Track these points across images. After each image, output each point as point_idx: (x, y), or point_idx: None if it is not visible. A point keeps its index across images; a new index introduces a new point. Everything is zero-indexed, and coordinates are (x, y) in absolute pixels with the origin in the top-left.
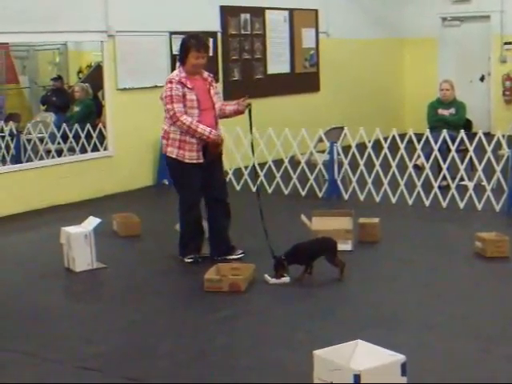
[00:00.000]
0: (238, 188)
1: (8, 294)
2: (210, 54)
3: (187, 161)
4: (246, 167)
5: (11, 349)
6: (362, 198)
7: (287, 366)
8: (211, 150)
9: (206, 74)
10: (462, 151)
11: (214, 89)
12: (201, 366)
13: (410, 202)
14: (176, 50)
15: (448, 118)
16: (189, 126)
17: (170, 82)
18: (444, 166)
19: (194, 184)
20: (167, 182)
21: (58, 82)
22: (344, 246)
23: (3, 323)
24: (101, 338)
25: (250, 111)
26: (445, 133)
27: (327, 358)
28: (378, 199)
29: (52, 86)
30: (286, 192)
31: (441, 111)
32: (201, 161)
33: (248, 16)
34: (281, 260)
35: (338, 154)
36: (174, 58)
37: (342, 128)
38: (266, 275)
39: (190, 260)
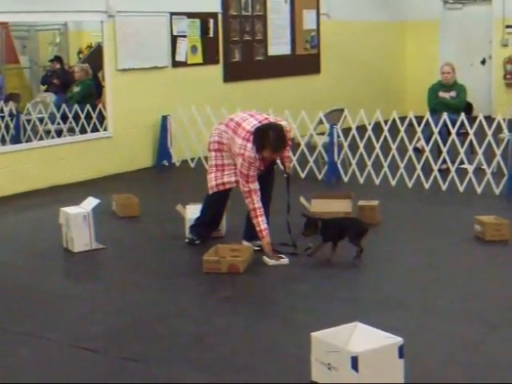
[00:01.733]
0: None
1: (6, 274)
2: (211, 35)
3: (208, 179)
4: None
5: (10, 329)
6: (361, 180)
7: (285, 348)
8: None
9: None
10: (463, 134)
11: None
12: (199, 347)
13: (410, 184)
14: (177, 31)
15: (449, 100)
16: (253, 208)
17: (249, 164)
18: (444, 149)
19: (217, 195)
20: (167, 163)
21: (55, 63)
22: None
23: (1, 303)
24: (99, 318)
25: (288, 178)
26: (445, 116)
27: (325, 340)
28: (377, 182)
29: (50, 67)
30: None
31: (441, 94)
32: (210, 192)
33: None
34: (315, 221)
35: (338, 137)
36: (174, 39)
37: (342, 110)
38: (265, 257)
39: (186, 240)
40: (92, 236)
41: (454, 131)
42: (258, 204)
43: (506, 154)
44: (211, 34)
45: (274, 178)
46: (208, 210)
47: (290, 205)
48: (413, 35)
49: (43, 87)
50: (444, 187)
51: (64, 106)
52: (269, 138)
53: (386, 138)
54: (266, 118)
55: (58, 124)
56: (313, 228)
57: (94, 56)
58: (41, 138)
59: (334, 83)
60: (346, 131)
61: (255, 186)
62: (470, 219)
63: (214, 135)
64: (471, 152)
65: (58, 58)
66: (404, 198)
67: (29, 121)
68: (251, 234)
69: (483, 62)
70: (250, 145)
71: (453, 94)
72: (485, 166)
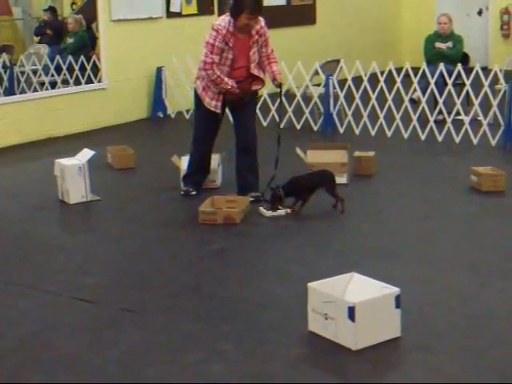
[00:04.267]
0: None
1: (3, 225)
2: None
3: (206, 104)
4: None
5: (7, 280)
6: (357, 131)
7: (282, 298)
8: (229, 96)
9: (257, 26)
10: (459, 85)
11: (257, 45)
12: (196, 298)
13: (406, 135)
14: None
15: (445, 51)
16: (217, 76)
17: (217, 32)
18: (440, 100)
19: (206, 124)
20: (162, 115)
21: (49, 13)
22: (339, 179)
23: None
24: (96, 269)
25: (280, 92)
26: (442, 66)
27: (322, 290)
28: (373, 133)
29: (44, 17)
30: (282, 125)
31: (438, 45)
32: (218, 111)
33: None
34: (277, 192)
35: (334, 88)
36: None
37: (338, 61)
38: (262, 208)
39: (182, 192)
40: (87, 187)
41: (450, 82)
42: (217, 73)
43: (503, 105)
44: None
45: (255, 112)
46: (195, 154)
47: (280, 120)
48: None
49: (36, 38)
50: (440, 138)
51: (58, 57)
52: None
53: (382, 88)
54: None
55: (52, 76)
56: (278, 199)
57: (88, 7)
58: (35, 90)
59: (330, 34)
60: (342, 82)
61: (217, 59)
62: (466, 170)
63: None
64: (467, 103)
65: (51, 8)
66: (400, 149)
67: (22, 73)
68: (244, 186)
69: (480, 12)
70: (222, 17)
71: (449, 44)
72: (481, 117)
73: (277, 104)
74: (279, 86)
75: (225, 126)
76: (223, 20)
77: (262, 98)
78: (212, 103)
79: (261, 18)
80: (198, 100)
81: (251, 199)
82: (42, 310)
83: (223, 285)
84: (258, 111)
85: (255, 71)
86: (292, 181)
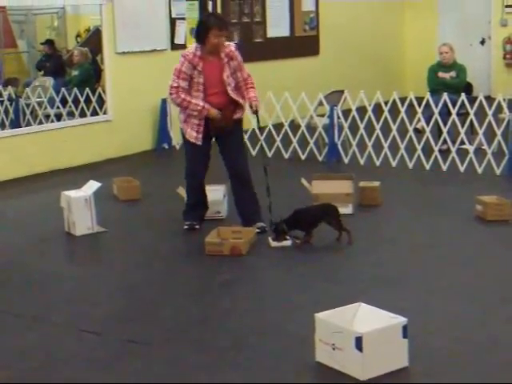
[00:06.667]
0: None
1: (9, 257)
2: None
3: (187, 136)
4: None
5: (13, 312)
6: (362, 161)
7: (289, 329)
8: (212, 124)
9: (227, 49)
10: (463, 115)
11: (230, 69)
12: (202, 329)
13: (411, 165)
14: (176, 13)
15: (448, 81)
16: (180, 102)
17: (184, 57)
18: (444, 130)
19: (193, 157)
20: (167, 146)
21: (47, 46)
22: (344, 209)
23: (5, 287)
24: (102, 301)
25: (257, 120)
26: (445, 96)
27: (329, 321)
28: (378, 163)
29: (43, 50)
30: (286, 156)
31: (441, 74)
32: (199, 143)
33: None
34: (280, 226)
35: (338, 118)
36: (173, 22)
37: (342, 91)
38: (270, 238)
39: (186, 227)
40: (93, 219)
41: (454, 111)
42: (181, 97)
43: (507, 134)
44: None
45: (242, 141)
46: (189, 189)
47: (263, 147)
48: (412, 15)
49: (40, 72)
50: (445, 168)
51: (63, 90)
52: (211, 19)
53: (386, 118)
54: None
55: (58, 108)
56: (282, 232)
57: (92, 39)
58: (40, 122)
59: (334, 64)
60: (346, 112)
61: (184, 84)
62: (470, 199)
63: None
64: (471, 132)
65: (49, 42)
66: (404, 179)
67: (28, 105)
68: (247, 218)
69: (482, 42)
70: (188, 48)
71: (453, 74)
72: (485, 146)
73: (258, 133)
74: (255, 112)
75: None
76: (190, 47)
77: (268, 130)
78: (193, 134)
79: (231, 43)
80: (183, 133)
81: (257, 230)
82: (46, 341)
83: (230, 315)
84: (264, 142)
85: (233, 95)
86: (295, 213)
